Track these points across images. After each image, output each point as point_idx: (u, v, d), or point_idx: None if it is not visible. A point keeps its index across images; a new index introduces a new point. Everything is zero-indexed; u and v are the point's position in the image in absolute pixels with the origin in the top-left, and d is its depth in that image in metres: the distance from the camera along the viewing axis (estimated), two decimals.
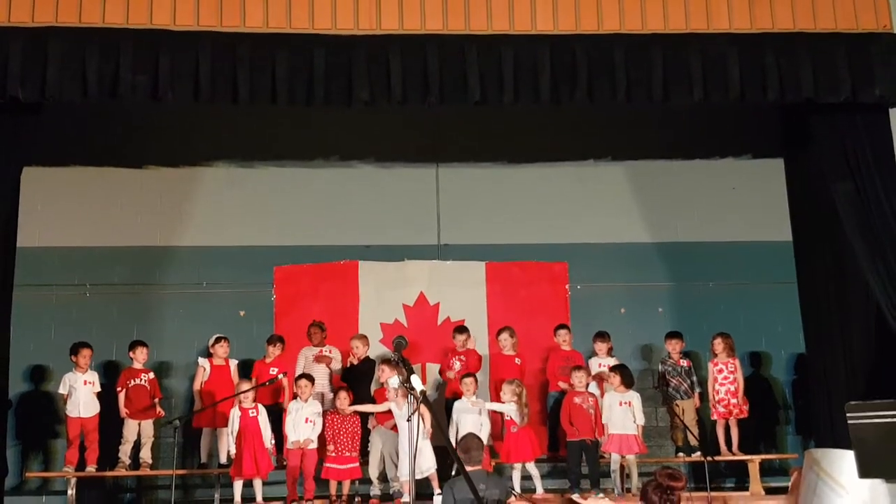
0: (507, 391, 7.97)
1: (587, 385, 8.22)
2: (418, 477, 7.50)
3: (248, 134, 9.43)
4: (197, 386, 8.46)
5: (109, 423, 8.20)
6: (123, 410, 8.19)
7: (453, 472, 7.52)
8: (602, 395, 8.30)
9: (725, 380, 8.46)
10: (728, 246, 9.58)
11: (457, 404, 7.99)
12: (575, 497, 6.46)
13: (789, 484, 4.87)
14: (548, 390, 8.75)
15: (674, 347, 8.74)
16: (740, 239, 9.57)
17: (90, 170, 9.49)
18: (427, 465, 7.47)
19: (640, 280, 9.60)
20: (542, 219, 9.66)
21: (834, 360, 7.95)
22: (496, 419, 8.35)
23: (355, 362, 8.48)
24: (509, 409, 7.89)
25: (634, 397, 8.09)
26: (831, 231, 7.95)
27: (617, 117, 9.16)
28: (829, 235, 8.05)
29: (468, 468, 5.56)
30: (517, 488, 7.79)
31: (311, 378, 8.03)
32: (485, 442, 7.83)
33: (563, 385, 8.51)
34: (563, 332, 8.82)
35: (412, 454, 4.54)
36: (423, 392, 4.43)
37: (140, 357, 8.39)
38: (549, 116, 9.04)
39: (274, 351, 8.59)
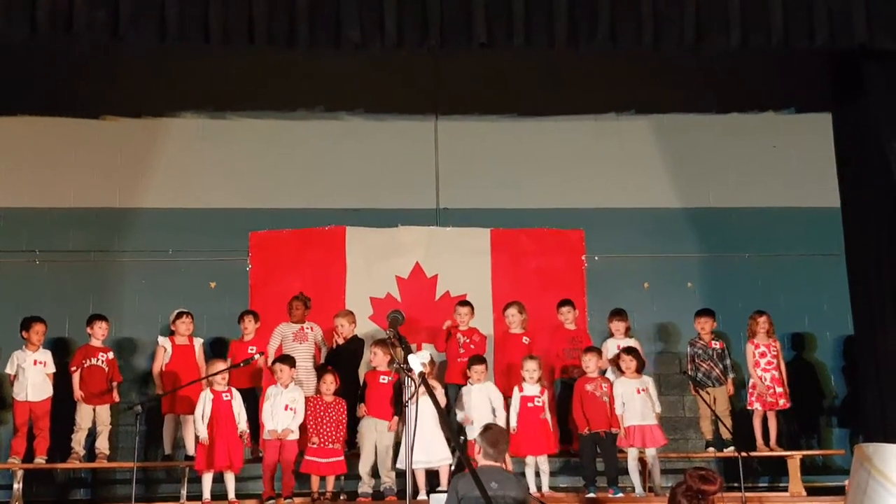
0: (531, 369, 7.89)
1: (603, 370, 8.15)
2: (429, 467, 7.49)
3: (220, 80, 9.33)
4: (157, 368, 8.39)
5: (61, 408, 8.13)
6: (78, 393, 8.12)
7: (453, 467, 7.49)
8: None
9: (769, 364, 8.39)
10: (767, 212, 9.53)
11: (466, 389, 7.93)
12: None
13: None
14: (553, 377, 8.68)
15: (704, 327, 8.66)
16: (781, 204, 9.53)
17: (40, 120, 9.40)
18: (440, 455, 7.43)
19: (666, 250, 9.55)
20: (556, 180, 9.60)
21: (886, 343, 7.87)
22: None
23: (341, 342, 8.41)
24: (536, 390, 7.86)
25: (650, 382, 8.08)
26: (885, 196, 7.84)
27: (643, 64, 9.03)
28: (882, 201, 7.93)
29: (489, 463, 5.53)
30: (532, 487, 7.75)
31: (289, 360, 7.96)
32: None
33: (569, 370, 8.46)
34: (566, 308, 8.72)
35: (410, 443, 4.47)
36: (422, 374, 4.35)
37: (99, 333, 8.32)
38: (565, 62, 8.92)
39: (248, 328, 8.51)
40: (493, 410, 7.80)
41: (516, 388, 7.97)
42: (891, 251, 7.95)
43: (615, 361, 8.46)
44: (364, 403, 7.97)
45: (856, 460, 5.95)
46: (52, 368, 8.16)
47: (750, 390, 8.48)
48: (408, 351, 4.48)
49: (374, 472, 7.80)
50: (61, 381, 8.21)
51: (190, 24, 7.02)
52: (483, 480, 3.93)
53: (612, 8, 7.23)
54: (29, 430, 8.01)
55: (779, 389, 8.37)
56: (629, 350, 8.18)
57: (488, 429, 5.83)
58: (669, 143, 9.76)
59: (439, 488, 7.16)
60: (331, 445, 7.72)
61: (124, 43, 7.13)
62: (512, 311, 8.59)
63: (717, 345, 8.63)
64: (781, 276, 9.37)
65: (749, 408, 8.50)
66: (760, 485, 8.57)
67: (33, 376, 8.02)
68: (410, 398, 4.41)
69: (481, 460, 5.63)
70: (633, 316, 8.90)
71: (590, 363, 8.02)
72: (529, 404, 7.88)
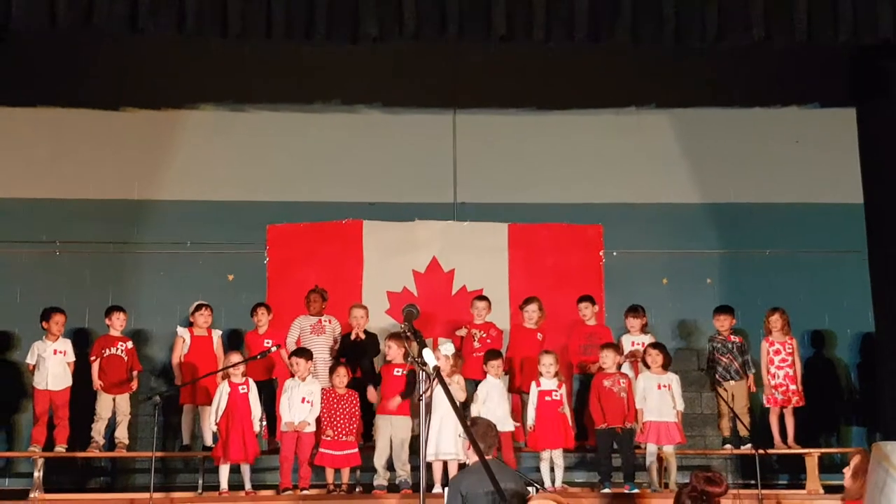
0: (548, 363, 7.93)
1: (619, 366, 8.17)
2: (436, 459, 7.54)
3: (239, 73, 9.37)
4: (176, 359, 8.47)
5: (81, 397, 8.23)
6: (97, 382, 8.22)
7: (468, 461, 7.53)
8: (636, 376, 8.25)
9: (783, 362, 8.37)
10: (789, 208, 9.49)
11: (485, 384, 7.95)
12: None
13: (849, 470, 4.82)
14: (571, 372, 8.71)
15: (723, 324, 8.63)
16: (803, 200, 9.48)
17: (60, 111, 9.47)
18: (446, 448, 7.49)
19: (685, 247, 9.53)
20: (574, 175, 9.58)
21: None
22: (516, 401, 8.35)
23: (362, 335, 8.47)
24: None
25: (674, 380, 8.03)
26: None
27: (663, 59, 9.00)
28: None
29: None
30: (547, 481, 7.78)
31: (306, 353, 8.02)
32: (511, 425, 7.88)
33: (587, 366, 8.48)
34: (585, 304, 8.74)
35: (426, 436, 4.52)
36: (436, 368, 4.39)
37: (117, 324, 8.40)
38: (584, 56, 8.89)
39: (261, 320, 8.58)
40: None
41: (534, 383, 8.00)
42: None
43: (630, 357, 8.48)
44: (377, 388, 8.02)
45: (873, 458, 5.94)
46: (71, 358, 8.25)
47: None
48: (422, 345, 4.51)
49: (390, 465, 7.85)
50: (81, 370, 8.30)
51: (208, 17, 7.08)
52: (482, 474, 3.93)
53: (633, 3, 7.21)
54: (49, 419, 8.10)
55: (792, 387, 8.34)
56: (656, 345, 8.18)
57: (475, 423, 5.83)
58: (690, 138, 9.72)
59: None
60: (344, 438, 7.77)
61: (143, 35, 7.19)
62: (532, 306, 8.61)
63: (736, 339, 8.60)
64: (802, 273, 9.32)
65: (767, 405, 8.48)
66: (778, 482, 8.55)
67: (53, 366, 8.11)
68: (425, 392, 4.48)
69: (471, 456, 5.63)
70: (651, 312, 8.88)
71: (608, 359, 8.03)
72: (547, 398, 7.90)
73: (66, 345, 8.25)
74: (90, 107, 9.53)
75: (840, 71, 8.69)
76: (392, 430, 7.83)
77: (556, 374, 7.96)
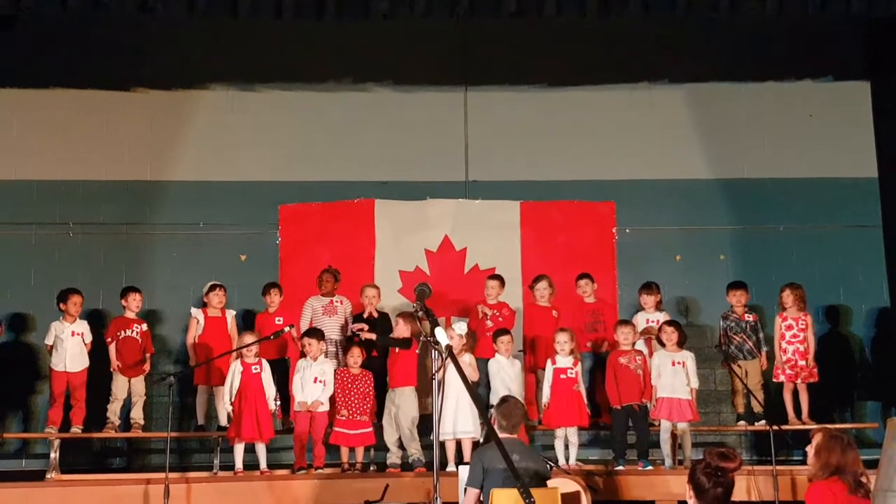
0: (562, 341, 7.91)
1: (633, 343, 8.15)
2: (452, 438, 7.56)
3: (249, 53, 9.37)
4: (190, 340, 8.49)
5: (96, 379, 8.26)
6: (115, 363, 8.24)
7: (481, 440, 7.54)
8: (650, 353, 8.23)
9: (794, 338, 8.33)
10: (802, 183, 9.43)
11: (495, 361, 7.97)
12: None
13: (811, 448, 4.79)
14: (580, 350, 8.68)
15: (738, 300, 8.59)
16: (817, 175, 9.42)
17: (72, 92, 9.47)
18: (463, 427, 7.51)
19: (699, 223, 9.49)
20: (586, 151, 9.56)
21: None
22: (530, 380, 8.35)
23: (375, 315, 8.47)
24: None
25: (689, 357, 8.00)
26: None
27: (676, 31, 8.95)
28: None
29: (503, 435, 5.50)
30: (561, 458, 7.80)
31: (318, 333, 8.04)
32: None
33: (589, 345, 8.48)
34: (585, 281, 8.70)
35: (438, 416, 4.52)
36: (448, 347, 4.39)
37: (133, 305, 8.41)
38: (596, 31, 8.85)
39: (273, 300, 8.59)
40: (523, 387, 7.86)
41: (549, 361, 7.99)
42: None
43: (644, 334, 8.45)
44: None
45: (889, 433, 5.92)
46: (89, 339, 8.28)
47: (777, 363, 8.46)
48: (434, 324, 4.50)
49: (402, 443, 7.88)
50: (96, 351, 8.32)
51: None
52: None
53: None
54: (66, 400, 8.13)
55: (802, 363, 8.30)
56: (671, 323, 8.15)
57: (504, 401, 5.84)
58: (703, 113, 9.67)
59: (466, 461, 7.21)
60: (359, 417, 7.80)
61: (153, 16, 7.18)
62: (542, 284, 8.59)
63: (750, 317, 8.57)
64: (816, 248, 9.29)
65: (775, 380, 8.46)
66: (793, 458, 8.53)
67: (71, 347, 8.13)
68: (437, 370, 4.48)
69: (503, 433, 5.65)
70: (665, 289, 8.85)
71: (626, 336, 8.01)
72: (562, 376, 7.89)
73: (83, 326, 8.28)
74: (102, 88, 9.53)
75: (854, 44, 8.61)
76: (395, 408, 7.82)
77: (572, 352, 7.94)
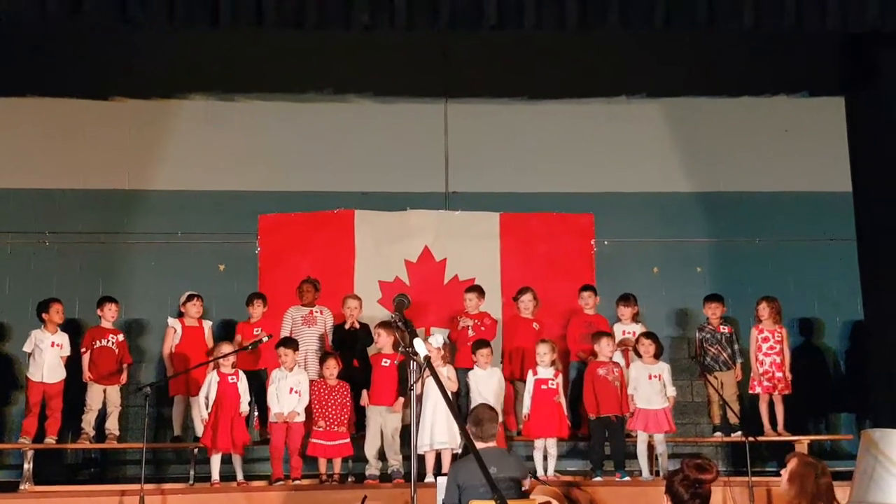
0: (542, 352, 7.91)
1: (612, 354, 8.17)
2: (429, 450, 7.53)
3: (229, 62, 9.32)
4: (167, 350, 8.44)
5: (71, 389, 8.17)
6: (87, 374, 8.16)
7: (460, 451, 7.53)
8: (627, 364, 8.26)
9: (771, 350, 8.40)
10: (778, 197, 9.50)
11: (473, 374, 7.96)
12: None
13: (785, 473, 4.76)
14: (568, 360, 8.70)
15: (713, 312, 8.66)
16: (792, 189, 9.49)
17: (49, 101, 9.40)
18: (440, 438, 7.49)
19: (676, 235, 9.54)
20: (566, 164, 9.57)
21: None
22: (509, 390, 8.35)
23: (357, 326, 8.44)
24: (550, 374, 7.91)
25: (665, 369, 8.06)
26: None
27: (654, 46, 8.98)
28: (894, 185, 7.91)
29: (479, 445, 5.48)
30: (540, 469, 7.79)
31: (293, 344, 8.00)
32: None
33: (581, 355, 8.50)
34: (587, 293, 8.76)
35: (417, 426, 4.48)
36: (427, 358, 4.36)
37: (109, 315, 8.35)
38: (575, 45, 8.87)
39: (256, 311, 8.54)
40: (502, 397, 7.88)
41: (530, 372, 8.00)
42: None
43: (621, 346, 8.48)
44: (366, 393, 7.98)
45: (862, 445, 5.97)
46: (67, 351, 8.18)
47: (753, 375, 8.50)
48: (413, 335, 4.48)
49: (381, 455, 7.84)
50: (73, 362, 8.23)
51: (198, 6, 7.01)
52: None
53: None
54: (41, 410, 8.03)
55: (778, 374, 8.36)
56: (648, 335, 8.19)
57: (473, 409, 5.82)
58: (680, 127, 9.73)
59: (445, 472, 7.19)
60: (336, 428, 7.76)
61: (133, 25, 7.13)
62: (527, 296, 8.61)
63: (725, 329, 8.64)
64: (792, 262, 9.36)
65: (752, 392, 8.50)
66: (768, 469, 8.57)
67: (50, 358, 8.04)
68: (416, 382, 4.44)
69: (477, 442, 5.61)
70: (643, 301, 8.90)
71: (605, 347, 8.03)
72: (543, 387, 7.90)
73: (63, 338, 8.18)
74: (80, 96, 9.47)
75: (829, 60, 8.67)
76: (383, 420, 7.81)
77: (553, 363, 7.95)
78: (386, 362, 7.91)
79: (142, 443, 7.35)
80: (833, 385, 9.36)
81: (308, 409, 7.82)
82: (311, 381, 7.94)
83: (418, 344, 4.37)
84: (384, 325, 8.01)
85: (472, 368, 8.03)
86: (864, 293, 8.39)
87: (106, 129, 9.45)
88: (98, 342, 8.25)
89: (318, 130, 9.62)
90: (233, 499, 7.51)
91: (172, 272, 9.18)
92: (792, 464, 4.76)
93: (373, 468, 7.79)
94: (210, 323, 8.61)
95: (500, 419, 7.77)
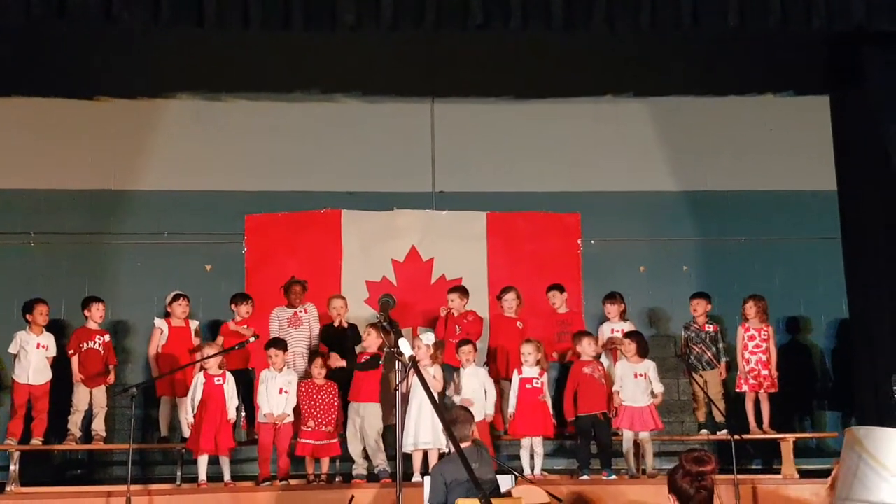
0: (527, 352, 7.93)
1: (598, 354, 8.18)
2: (414, 450, 7.53)
3: (216, 62, 9.23)
4: (153, 350, 8.40)
5: (57, 390, 8.13)
6: (77, 376, 8.13)
7: (447, 451, 7.53)
8: (614, 363, 8.28)
9: (757, 348, 8.42)
10: (764, 195, 9.52)
11: (463, 371, 7.96)
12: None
13: (830, 478, 4.76)
14: (548, 361, 8.68)
15: (697, 310, 8.67)
16: (778, 188, 9.51)
17: (34, 101, 9.34)
18: (424, 438, 7.50)
19: (662, 234, 9.57)
20: (552, 163, 9.58)
21: (881, 326, 7.90)
22: (497, 389, 8.36)
23: (345, 325, 8.44)
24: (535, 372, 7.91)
25: (651, 367, 8.07)
26: (882, 179, 7.84)
27: (640, 46, 8.97)
28: (879, 184, 7.94)
29: (461, 445, 5.49)
30: (526, 468, 7.80)
31: (282, 344, 7.99)
32: (491, 414, 7.87)
33: (556, 354, 8.54)
34: (553, 293, 8.75)
35: (401, 427, 4.49)
36: (412, 358, 4.36)
37: (96, 316, 8.31)
38: (561, 44, 8.86)
39: (242, 311, 8.52)
40: (486, 393, 7.89)
41: (515, 371, 8.01)
42: (887, 234, 7.98)
43: (609, 345, 8.49)
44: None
45: (846, 443, 5.96)
46: (53, 352, 8.15)
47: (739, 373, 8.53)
48: (398, 335, 4.48)
49: (367, 454, 7.84)
50: (58, 363, 8.20)
51: (184, 6, 7.00)
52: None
53: None
54: (27, 412, 7.99)
55: (764, 373, 8.38)
56: (630, 334, 8.21)
57: (448, 410, 5.83)
58: (667, 127, 9.73)
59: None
60: (324, 428, 7.76)
61: (118, 24, 7.10)
62: (510, 295, 8.61)
63: (710, 328, 8.65)
64: (777, 260, 9.39)
65: (738, 390, 8.53)
66: (753, 467, 8.60)
67: (36, 360, 8.00)
68: (401, 382, 4.45)
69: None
70: (630, 299, 8.91)
71: (588, 347, 8.04)
72: (528, 386, 7.92)
73: (48, 339, 8.14)
74: (65, 96, 9.42)
75: (814, 59, 8.71)
76: (360, 419, 7.79)
77: (538, 363, 7.97)
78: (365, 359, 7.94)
79: (128, 444, 7.30)
80: (819, 383, 9.40)
81: (295, 409, 7.80)
82: (299, 382, 7.92)
83: (404, 344, 4.37)
84: (374, 326, 8.01)
85: (457, 366, 8.04)
86: (849, 291, 8.45)
87: (92, 129, 9.41)
88: (85, 344, 8.21)
89: (304, 130, 9.60)
90: (220, 499, 7.50)
91: (159, 272, 9.15)
92: (837, 469, 4.73)
93: (360, 468, 7.79)
94: (197, 323, 8.58)
95: (485, 417, 7.81)
